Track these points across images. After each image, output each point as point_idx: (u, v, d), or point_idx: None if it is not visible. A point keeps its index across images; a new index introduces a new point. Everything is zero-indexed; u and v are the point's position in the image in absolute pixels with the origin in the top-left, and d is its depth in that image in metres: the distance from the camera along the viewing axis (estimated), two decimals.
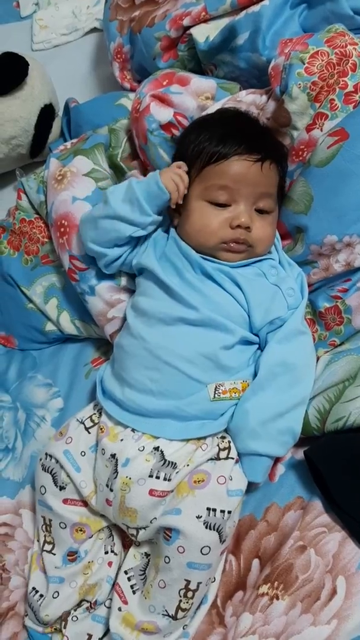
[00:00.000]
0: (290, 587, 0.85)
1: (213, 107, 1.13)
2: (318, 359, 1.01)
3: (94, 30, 1.76)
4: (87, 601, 0.95)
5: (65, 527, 0.96)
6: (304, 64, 1.01)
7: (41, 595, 0.95)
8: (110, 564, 0.97)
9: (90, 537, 0.98)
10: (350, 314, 0.98)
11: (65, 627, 0.94)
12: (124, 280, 1.09)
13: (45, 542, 0.98)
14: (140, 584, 0.91)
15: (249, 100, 1.12)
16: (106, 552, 0.98)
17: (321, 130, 1.01)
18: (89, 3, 1.80)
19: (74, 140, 1.26)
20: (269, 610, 0.84)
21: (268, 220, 1.00)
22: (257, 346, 0.99)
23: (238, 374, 0.95)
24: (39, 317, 1.22)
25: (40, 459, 0.99)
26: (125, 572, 0.92)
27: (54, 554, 0.97)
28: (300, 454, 0.96)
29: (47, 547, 0.97)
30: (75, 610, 0.95)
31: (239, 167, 0.96)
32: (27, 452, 1.12)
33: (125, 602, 0.89)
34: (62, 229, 1.10)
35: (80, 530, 0.97)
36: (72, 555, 0.97)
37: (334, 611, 0.81)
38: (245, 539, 0.94)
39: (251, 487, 0.95)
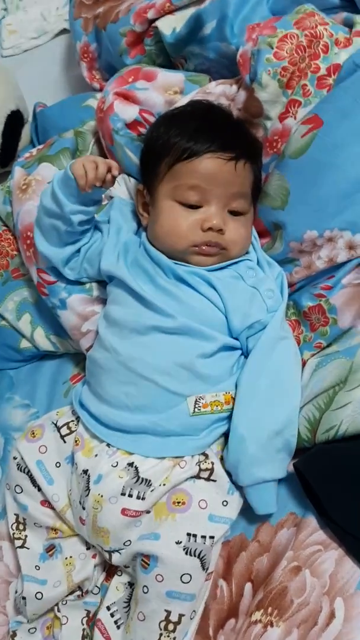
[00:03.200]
0: (285, 612, 0.79)
1: (182, 101, 1.08)
2: (304, 363, 0.95)
3: (63, 31, 1.70)
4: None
5: (41, 526, 0.93)
6: (273, 48, 0.95)
7: (23, 598, 0.90)
8: (94, 556, 0.92)
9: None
10: (335, 313, 0.92)
11: (59, 611, 0.91)
12: (95, 291, 1.04)
13: (15, 538, 0.94)
14: (125, 617, 0.85)
15: (219, 91, 1.06)
16: (88, 548, 0.93)
17: (295, 118, 0.95)
18: (58, 4, 1.75)
19: (40, 147, 1.20)
20: (263, 638, 0.78)
21: (242, 222, 0.94)
22: (239, 352, 0.93)
23: (220, 385, 0.89)
24: (13, 334, 1.16)
25: (15, 458, 0.95)
26: (108, 608, 0.87)
27: (28, 548, 0.93)
28: (290, 467, 0.89)
29: (18, 542, 0.94)
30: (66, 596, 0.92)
31: (212, 165, 0.90)
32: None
33: (108, 639, 0.84)
34: (28, 241, 1.05)
35: (54, 531, 0.93)
36: (50, 550, 0.93)
37: (332, 636, 0.75)
38: (237, 561, 0.88)
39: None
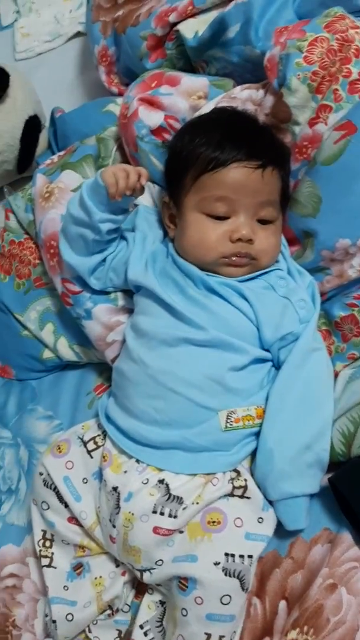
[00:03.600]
0: (321, 631, 0.78)
1: (206, 107, 1.06)
2: (336, 374, 0.92)
3: (78, 34, 1.68)
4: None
5: (69, 544, 0.91)
6: (303, 52, 0.93)
7: (53, 621, 0.87)
8: (124, 573, 0.90)
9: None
10: None
11: (90, 632, 0.89)
12: (121, 300, 1.02)
13: (42, 556, 0.92)
14: (159, 636, 0.83)
15: (245, 96, 1.04)
16: (117, 565, 0.91)
17: (325, 124, 0.93)
18: (71, 7, 1.73)
19: (61, 153, 1.18)
20: None
21: (271, 230, 0.91)
22: (270, 364, 0.91)
23: (251, 398, 0.87)
24: (35, 345, 1.14)
25: (41, 474, 0.92)
26: (141, 627, 0.85)
27: (55, 567, 0.91)
28: (324, 481, 0.87)
29: (45, 561, 0.91)
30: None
31: (239, 175, 0.87)
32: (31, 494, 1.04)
33: None
34: (52, 250, 1.03)
35: (82, 549, 0.91)
36: (78, 568, 0.91)
37: None
38: (270, 578, 0.86)
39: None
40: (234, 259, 0.89)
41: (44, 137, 1.40)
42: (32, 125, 1.35)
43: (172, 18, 1.14)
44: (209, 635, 0.76)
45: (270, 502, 0.85)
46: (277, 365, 0.90)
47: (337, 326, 0.94)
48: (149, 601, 0.87)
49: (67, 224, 0.95)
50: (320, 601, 0.80)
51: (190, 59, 1.19)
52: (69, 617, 0.86)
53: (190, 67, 1.21)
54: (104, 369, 1.13)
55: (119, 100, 1.20)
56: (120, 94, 1.30)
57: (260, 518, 0.83)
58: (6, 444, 1.11)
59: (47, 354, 1.14)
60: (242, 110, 1.00)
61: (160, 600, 0.86)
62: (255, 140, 0.91)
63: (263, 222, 0.91)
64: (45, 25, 1.73)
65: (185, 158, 0.91)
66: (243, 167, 0.87)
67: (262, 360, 0.89)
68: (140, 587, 0.91)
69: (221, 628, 0.77)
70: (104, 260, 0.97)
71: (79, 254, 0.96)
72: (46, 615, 0.90)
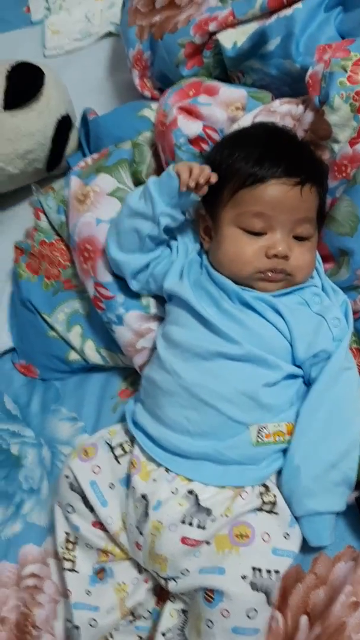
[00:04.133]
0: None
1: (244, 118, 1.06)
2: None
3: (108, 34, 1.68)
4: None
5: (92, 548, 0.91)
6: (347, 72, 0.93)
7: (76, 627, 0.87)
8: (147, 580, 0.91)
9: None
10: None
11: (111, 637, 0.89)
12: (153, 308, 1.02)
13: (64, 559, 0.92)
14: None
15: (284, 110, 1.04)
16: (140, 572, 0.91)
17: None
18: (102, 7, 1.73)
19: (95, 156, 1.18)
20: None
21: (307, 247, 0.92)
22: (301, 380, 0.91)
23: (282, 414, 0.87)
24: (62, 346, 1.14)
25: (67, 477, 0.92)
26: (163, 634, 0.85)
27: (77, 572, 0.91)
28: (350, 499, 0.88)
29: (68, 564, 0.91)
30: None
31: (277, 192, 0.88)
32: (53, 495, 1.04)
33: None
34: (85, 254, 1.03)
35: (105, 554, 0.92)
36: (100, 573, 0.91)
37: None
38: (292, 593, 0.87)
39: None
40: (269, 274, 0.90)
41: (74, 137, 1.39)
42: (64, 125, 1.35)
43: (211, 27, 1.14)
44: None
45: (297, 518, 0.86)
46: (308, 382, 0.91)
47: None
48: (171, 609, 0.87)
49: (122, 218, 0.95)
50: (342, 618, 0.80)
51: (226, 69, 1.20)
52: (92, 622, 0.86)
53: (226, 76, 1.21)
54: (129, 374, 1.13)
55: (154, 105, 1.20)
56: (153, 98, 1.31)
57: (287, 534, 0.83)
58: (29, 444, 1.11)
59: (73, 356, 1.14)
60: (282, 126, 1.00)
61: (182, 609, 0.87)
62: (294, 157, 0.91)
63: (299, 238, 0.91)
64: (76, 23, 1.73)
65: (223, 172, 0.91)
66: (282, 184, 0.88)
67: (294, 376, 0.90)
68: (162, 594, 0.92)
69: None
70: (147, 266, 0.97)
71: (127, 251, 0.96)
72: (67, 620, 0.90)
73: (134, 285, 0.99)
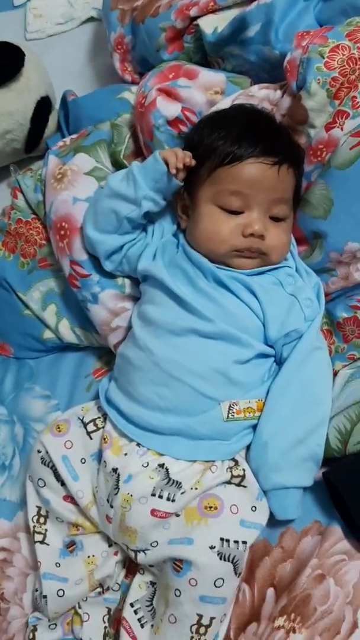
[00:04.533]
0: (308, 619, 0.80)
1: (223, 102, 1.07)
2: (336, 373, 0.95)
3: (90, 19, 1.68)
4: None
5: (63, 521, 0.93)
6: (324, 58, 0.94)
7: (44, 597, 0.88)
8: (116, 553, 0.92)
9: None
10: None
11: (80, 607, 0.90)
12: (128, 288, 1.03)
13: (35, 532, 0.93)
14: (149, 616, 0.85)
15: (262, 95, 1.05)
16: (110, 545, 0.93)
17: (341, 129, 0.94)
18: None
19: (74, 136, 1.18)
20: None
21: (283, 227, 0.93)
22: (272, 359, 0.93)
23: (252, 392, 0.89)
24: (37, 324, 1.15)
25: (39, 452, 0.94)
26: (132, 605, 0.86)
27: (48, 544, 0.92)
28: (318, 475, 0.90)
29: (38, 537, 0.92)
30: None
31: (255, 170, 0.89)
32: (25, 471, 1.05)
33: (134, 639, 0.83)
34: (62, 232, 1.03)
35: (76, 527, 0.93)
36: (70, 546, 0.93)
37: None
38: (260, 566, 0.89)
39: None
40: (244, 252, 0.91)
41: (53, 119, 1.39)
42: (44, 106, 1.35)
43: (192, 12, 1.15)
44: (200, 616, 0.78)
45: (264, 492, 0.87)
46: (279, 361, 0.92)
47: (339, 327, 0.96)
48: (140, 581, 0.88)
49: (102, 197, 0.96)
50: (308, 590, 0.82)
51: (206, 54, 1.20)
52: (60, 592, 0.88)
53: (206, 62, 1.22)
54: (104, 353, 1.14)
55: (134, 88, 1.20)
56: (133, 82, 1.31)
57: (254, 507, 0.85)
58: (2, 420, 1.12)
59: (47, 335, 1.15)
60: (261, 108, 1.02)
61: (151, 581, 0.88)
62: (272, 137, 0.92)
63: (275, 219, 0.93)
64: (58, 7, 1.72)
65: (202, 151, 0.92)
66: (259, 163, 0.89)
67: (266, 356, 0.91)
68: (130, 567, 0.93)
69: (213, 609, 0.79)
70: (121, 247, 0.98)
71: (103, 232, 0.97)
72: (36, 590, 0.91)
73: (107, 266, 1.00)
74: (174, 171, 0.90)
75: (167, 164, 0.90)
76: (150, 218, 1.00)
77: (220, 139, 0.91)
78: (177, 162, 0.89)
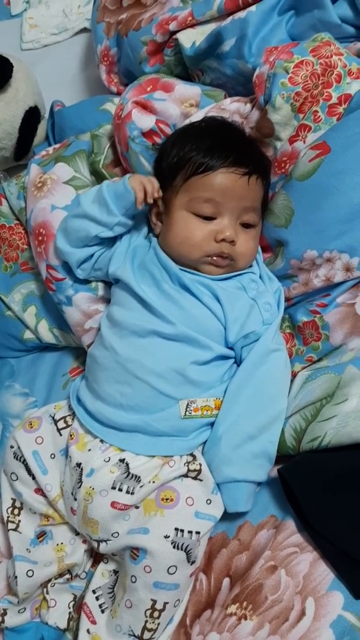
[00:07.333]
0: (259, 607, 0.84)
1: (197, 115, 1.12)
2: (295, 374, 0.99)
3: (83, 30, 1.73)
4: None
5: (35, 513, 0.97)
6: (288, 73, 0.99)
7: (15, 577, 0.92)
8: (84, 541, 0.96)
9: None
10: (328, 330, 0.96)
11: (47, 593, 0.94)
12: (101, 290, 1.08)
13: (9, 521, 0.97)
14: (109, 602, 0.90)
15: (233, 108, 1.10)
16: (77, 534, 0.97)
17: (304, 142, 0.99)
18: (79, 2, 1.79)
19: (57, 146, 1.24)
20: (236, 630, 0.82)
21: (251, 234, 0.98)
22: (232, 360, 0.97)
23: (210, 390, 0.93)
24: (17, 325, 1.20)
25: (12, 447, 0.98)
26: (94, 592, 0.91)
27: (20, 532, 0.97)
28: (274, 472, 0.94)
29: (11, 526, 0.97)
30: (55, 579, 0.95)
31: (227, 180, 0.94)
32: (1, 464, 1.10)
33: (94, 622, 0.88)
34: (40, 238, 1.09)
35: (47, 518, 0.97)
36: (41, 536, 0.97)
37: (301, 633, 0.79)
38: (217, 557, 0.93)
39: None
40: (215, 258, 0.96)
41: (42, 128, 1.45)
42: (32, 116, 1.41)
43: (172, 26, 1.20)
44: (154, 601, 0.83)
45: (218, 486, 0.92)
46: (239, 363, 0.97)
47: (300, 330, 1.00)
48: (103, 569, 0.93)
49: (73, 218, 1.02)
50: (260, 580, 0.86)
51: (187, 67, 1.25)
52: (29, 573, 0.92)
53: (186, 75, 1.27)
54: (81, 353, 1.19)
55: (117, 99, 1.25)
56: (119, 94, 1.36)
57: (209, 500, 0.89)
58: None
59: (27, 335, 1.20)
60: (231, 122, 1.06)
61: (113, 570, 0.92)
62: (242, 149, 0.97)
63: (246, 225, 0.97)
64: (53, 18, 1.78)
65: (176, 161, 0.97)
66: (231, 173, 0.94)
67: (225, 357, 0.96)
68: (97, 557, 0.97)
69: (166, 595, 0.83)
70: (91, 256, 1.03)
71: (72, 245, 1.02)
72: (9, 576, 0.96)
73: (80, 274, 1.05)
74: (140, 207, 0.95)
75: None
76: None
77: (193, 150, 0.96)
78: (147, 198, 0.95)
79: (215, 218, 0.95)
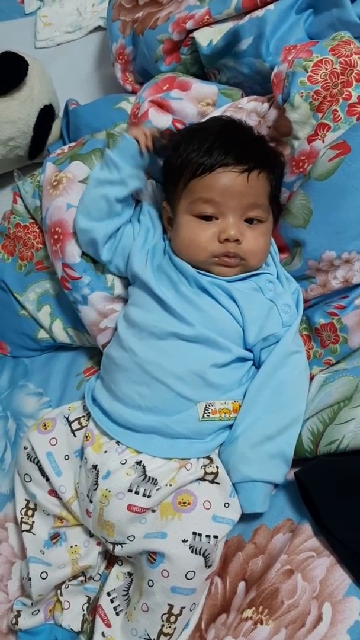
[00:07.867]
0: (275, 612, 0.83)
1: (213, 114, 1.11)
2: (312, 377, 0.98)
3: (98, 28, 1.73)
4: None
5: (49, 514, 0.97)
6: (307, 72, 0.98)
7: (29, 579, 0.92)
8: (98, 543, 0.96)
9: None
10: (346, 332, 0.95)
11: (62, 595, 0.94)
12: (117, 290, 1.07)
13: (23, 523, 0.97)
14: (124, 604, 0.89)
15: (250, 107, 1.09)
16: (91, 536, 0.97)
17: (323, 141, 0.98)
18: (94, 1, 1.78)
19: (72, 144, 1.23)
20: (252, 635, 0.82)
21: (260, 230, 0.97)
22: (251, 363, 0.96)
23: (229, 393, 0.93)
24: (32, 324, 1.20)
25: (25, 448, 0.98)
26: (108, 594, 0.90)
27: (34, 534, 0.96)
28: (291, 475, 0.93)
29: (25, 527, 0.97)
30: (69, 580, 0.95)
31: (224, 179, 0.93)
32: (15, 464, 1.10)
33: (109, 625, 0.87)
34: (55, 236, 1.08)
35: (60, 520, 0.97)
36: (55, 538, 0.97)
37: (318, 638, 0.78)
38: (233, 561, 0.92)
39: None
40: (224, 259, 0.95)
41: (56, 127, 1.44)
42: (46, 115, 1.40)
43: (189, 25, 1.19)
44: (171, 606, 0.82)
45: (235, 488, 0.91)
46: (258, 365, 0.96)
47: (317, 332, 0.99)
48: (118, 571, 0.92)
49: (88, 190, 1.03)
50: (276, 585, 0.85)
51: (203, 66, 1.25)
52: (43, 575, 0.91)
53: (202, 74, 1.27)
54: (95, 353, 1.19)
55: (132, 98, 1.24)
56: (134, 92, 1.35)
57: (227, 503, 0.89)
58: None
59: (42, 335, 1.19)
60: (236, 119, 1.05)
61: (128, 572, 0.92)
62: (242, 146, 0.96)
63: (250, 221, 0.96)
64: (68, 16, 1.78)
65: (178, 165, 0.97)
66: (229, 172, 0.93)
67: (244, 360, 0.95)
68: (111, 559, 0.97)
69: (183, 600, 0.82)
70: (116, 231, 1.03)
71: (96, 219, 1.02)
72: (22, 577, 0.95)
73: (104, 254, 1.04)
74: (144, 149, 0.97)
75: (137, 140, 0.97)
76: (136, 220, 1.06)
77: (193, 152, 0.95)
78: (147, 141, 0.97)
79: (218, 218, 0.95)
